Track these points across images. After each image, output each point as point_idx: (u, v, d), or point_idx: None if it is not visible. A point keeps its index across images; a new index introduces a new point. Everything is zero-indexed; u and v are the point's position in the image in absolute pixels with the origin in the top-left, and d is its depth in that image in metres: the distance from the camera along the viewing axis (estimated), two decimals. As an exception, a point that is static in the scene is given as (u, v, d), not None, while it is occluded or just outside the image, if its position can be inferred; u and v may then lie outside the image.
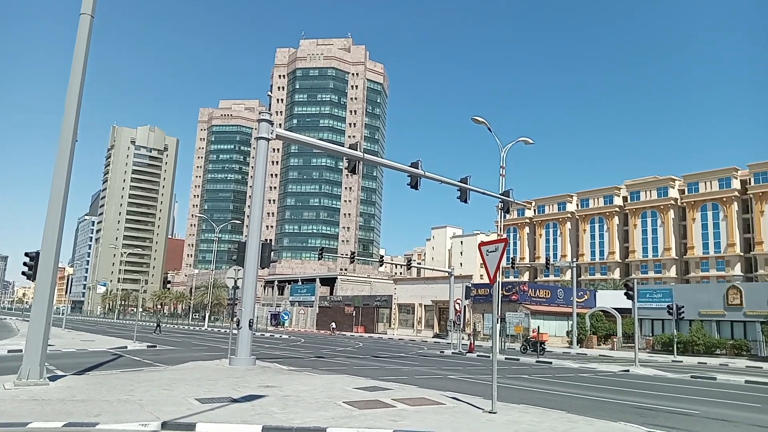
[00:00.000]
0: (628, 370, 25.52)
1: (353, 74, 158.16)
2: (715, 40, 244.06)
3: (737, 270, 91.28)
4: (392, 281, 78.86)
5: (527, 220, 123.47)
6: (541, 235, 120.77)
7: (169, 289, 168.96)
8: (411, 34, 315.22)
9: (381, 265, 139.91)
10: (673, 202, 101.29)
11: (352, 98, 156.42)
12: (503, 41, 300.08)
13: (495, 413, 11.15)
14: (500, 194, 29.71)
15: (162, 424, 9.08)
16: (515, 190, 29.59)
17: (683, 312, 38.79)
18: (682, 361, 33.72)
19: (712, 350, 39.10)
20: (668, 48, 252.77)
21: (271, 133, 20.92)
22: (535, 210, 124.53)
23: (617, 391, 17.62)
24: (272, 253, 23.18)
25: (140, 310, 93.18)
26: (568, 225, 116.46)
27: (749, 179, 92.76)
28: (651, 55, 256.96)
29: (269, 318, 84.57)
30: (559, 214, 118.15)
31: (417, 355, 33.03)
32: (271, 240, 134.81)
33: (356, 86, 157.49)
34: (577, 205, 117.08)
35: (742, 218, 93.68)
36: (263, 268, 22.08)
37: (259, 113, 21.74)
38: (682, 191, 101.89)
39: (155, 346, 30.85)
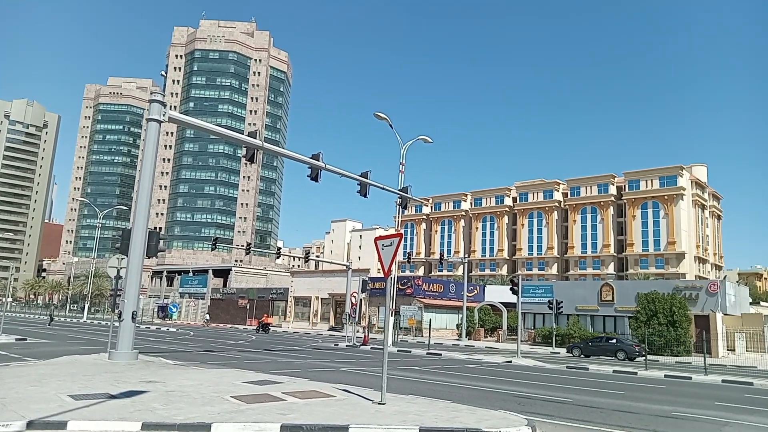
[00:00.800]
0: (511, 361, 26.96)
1: (256, 60, 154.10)
2: (603, 49, 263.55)
3: (611, 269, 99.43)
4: (289, 274, 77.87)
5: (424, 217, 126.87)
6: (436, 231, 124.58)
7: (44, 277, 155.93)
8: (318, 24, 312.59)
9: (278, 257, 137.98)
10: (557, 204, 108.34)
11: (254, 84, 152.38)
12: (412, 35, 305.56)
13: (384, 404, 11.32)
14: (399, 190, 30.22)
15: (28, 423, 8.31)
16: (415, 186, 30.26)
17: (562, 307, 41.64)
18: (559, 353, 36.18)
19: (585, 342, 42.28)
20: (559, 51, 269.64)
21: (164, 115, 19.80)
22: (432, 207, 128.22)
23: (500, 381, 18.55)
24: (161, 242, 22.01)
25: (9, 299, 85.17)
26: (462, 222, 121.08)
27: (624, 186, 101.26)
28: (550, 57, 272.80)
29: (156, 310, 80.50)
30: (455, 211, 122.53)
31: (311, 348, 32.87)
32: (160, 228, 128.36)
33: (259, 72, 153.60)
34: (471, 203, 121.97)
35: (617, 221, 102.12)
36: (150, 258, 20.90)
37: (151, 93, 20.52)
38: (565, 194, 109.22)
39: (25, 339, 28.34)
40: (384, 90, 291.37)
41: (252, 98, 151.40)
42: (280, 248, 78.53)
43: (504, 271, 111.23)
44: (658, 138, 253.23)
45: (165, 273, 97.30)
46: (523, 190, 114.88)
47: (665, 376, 22.51)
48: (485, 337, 50.15)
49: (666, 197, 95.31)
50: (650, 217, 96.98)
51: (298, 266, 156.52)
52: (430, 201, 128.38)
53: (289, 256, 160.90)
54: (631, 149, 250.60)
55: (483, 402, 13.17)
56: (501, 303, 50.13)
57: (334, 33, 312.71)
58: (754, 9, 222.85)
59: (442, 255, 49.65)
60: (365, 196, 27.43)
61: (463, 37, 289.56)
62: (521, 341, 38.14)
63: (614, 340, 34.65)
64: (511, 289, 32.52)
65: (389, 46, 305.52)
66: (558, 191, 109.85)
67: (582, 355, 33.99)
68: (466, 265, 51.61)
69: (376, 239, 12.69)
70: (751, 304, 55.78)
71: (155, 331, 46.72)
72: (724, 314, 39.75)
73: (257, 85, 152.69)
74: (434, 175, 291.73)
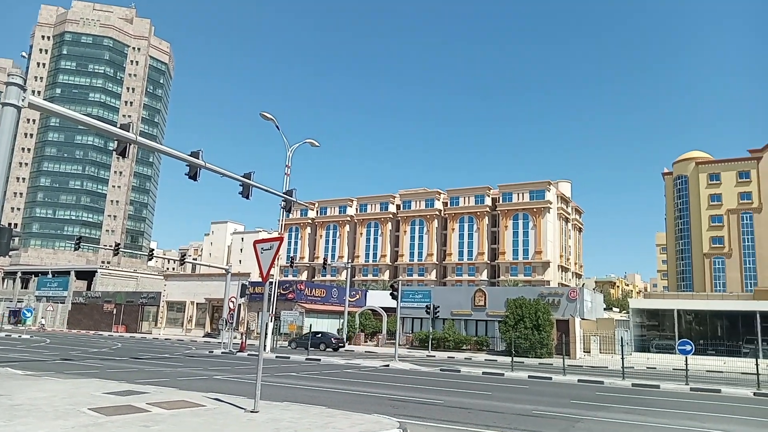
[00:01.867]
0: (388, 365, 27.47)
1: (134, 48, 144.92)
2: (482, 69, 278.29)
3: (484, 275, 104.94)
4: (163, 277, 73.68)
5: (310, 221, 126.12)
6: (321, 235, 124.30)
7: None
8: (204, 17, 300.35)
9: (151, 260, 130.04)
10: (438, 212, 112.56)
11: (130, 74, 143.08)
12: (302, 39, 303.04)
13: (257, 412, 11.04)
14: (283, 193, 29.75)
15: None
16: (301, 190, 29.93)
17: (438, 311, 43.24)
18: (434, 356, 37.48)
19: (460, 346, 44.15)
20: (445, 68, 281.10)
21: (23, 100, 17.89)
22: (318, 211, 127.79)
23: (377, 385, 18.81)
24: (15, 239, 19.86)
25: None
26: (347, 228, 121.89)
27: (499, 197, 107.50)
28: (435, 73, 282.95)
29: (7, 315, 72.62)
30: (340, 216, 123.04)
31: (183, 355, 31.31)
32: (15, 224, 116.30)
33: (137, 62, 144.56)
34: (357, 209, 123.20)
35: (491, 231, 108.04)
36: (1, 257, 18.80)
37: (9, 75, 18.49)
38: (446, 204, 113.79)
39: None
40: (271, 92, 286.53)
41: (128, 89, 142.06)
42: (153, 250, 74.07)
43: (386, 276, 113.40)
44: (531, 154, 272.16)
45: (19, 274, 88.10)
46: (407, 198, 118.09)
47: (529, 376, 24.08)
48: (365, 341, 50.73)
49: (535, 210, 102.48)
50: (521, 228, 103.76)
51: (173, 269, 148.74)
52: (316, 205, 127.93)
53: (164, 259, 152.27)
54: (506, 164, 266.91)
55: (358, 406, 13.28)
56: (382, 308, 50.98)
57: (222, 29, 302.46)
58: (610, 28, 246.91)
59: (325, 260, 49.57)
60: (248, 197, 26.66)
61: (354, 48, 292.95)
62: (400, 345, 39.01)
63: (320, 335, 41.36)
64: (391, 294, 33.21)
65: (279, 48, 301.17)
66: (439, 200, 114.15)
67: (297, 347, 40.50)
68: (349, 270, 51.95)
69: (255, 242, 12.38)
70: (604, 309, 61.42)
71: (4, 339, 42.13)
72: (582, 319, 43.36)
73: (134, 75, 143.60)
74: (321, 180, 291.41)
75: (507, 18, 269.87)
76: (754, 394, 19.96)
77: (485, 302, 46.49)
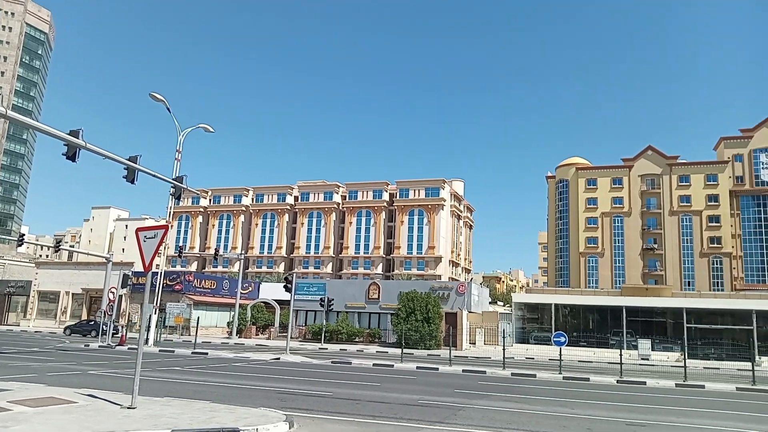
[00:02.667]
0: (279, 358, 27.11)
1: (7, 13, 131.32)
2: (386, 64, 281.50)
3: (380, 269, 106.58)
4: (34, 265, 67.68)
5: (202, 209, 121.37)
6: (214, 225, 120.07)
7: None
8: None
9: (21, 245, 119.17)
10: (336, 205, 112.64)
11: (3, 41, 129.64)
12: (203, 12, 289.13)
13: (134, 408, 10.46)
14: (173, 179, 28.30)
15: None
16: (194, 177, 28.61)
17: (333, 304, 43.31)
18: (327, 348, 37.51)
19: (353, 338, 44.50)
20: (356, 56, 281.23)
21: None
22: (210, 200, 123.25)
23: (266, 379, 18.50)
24: None
25: None
26: (242, 218, 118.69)
27: (396, 193, 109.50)
28: (341, 65, 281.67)
29: None
30: (235, 206, 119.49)
31: (55, 349, 29.00)
32: None
33: (10, 28, 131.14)
34: (253, 199, 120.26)
35: (387, 226, 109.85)
36: None
37: None
38: (344, 197, 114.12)
39: None
40: (165, 73, 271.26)
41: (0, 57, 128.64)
42: (24, 235, 67.83)
43: (281, 268, 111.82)
44: (428, 152, 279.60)
45: None
46: (305, 189, 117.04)
47: (417, 367, 24.78)
48: (257, 334, 49.73)
49: (430, 206, 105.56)
50: (416, 224, 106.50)
51: (47, 256, 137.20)
52: (209, 193, 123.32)
53: (36, 245, 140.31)
54: (404, 160, 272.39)
55: (245, 400, 12.99)
56: (275, 300, 50.19)
57: (112, 1, 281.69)
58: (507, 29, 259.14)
59: (217, 250, 47.81)
60: (133, 182, 24.98)
61: (258, 30, 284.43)
62: (292, 338, 38.60)
63: (92, 322, 45.26)
64: (285, 286, 32.77)
65: (176, 26, 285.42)
66: (337, 193, 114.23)
67: (72, 333, 44.25)
68: (242, 261, 50.61)
69: (138, 230, 11.70)
70: (490, 303, 64.59)
71: None
72: (469, 312, 45.29)
73: (7, 43, 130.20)
74: (215, 168, 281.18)
75: (414, 12, 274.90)
76: (617, 381, 21.87)
77: (379, 295, 47.21)
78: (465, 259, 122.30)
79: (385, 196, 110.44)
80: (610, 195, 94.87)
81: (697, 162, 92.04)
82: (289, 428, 9.96)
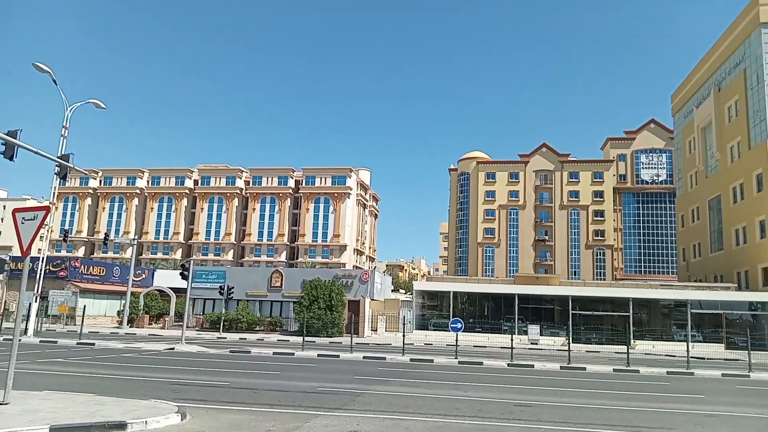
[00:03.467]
0: (173, 348, 26.04)
1: None
2: (288, 46, 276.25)
3: (283, 257, 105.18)
4: None
5: (91, 191, 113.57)
6: (104, 208, 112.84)
7: None
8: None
9: None
10: (239, 191, 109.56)
11: None
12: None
13: (7, 404, 9.62)
14: (58, 157, 26.20)
15: None
16: (82, 157, 26.62)
17: (233, 292, 42.18)
18: (226, 338, 36.53)
19: (253, 327, 43.64)
20: (266, 33, 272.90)
21: None
22: (101, 181, 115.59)
23: (159, 369, 17.71)
24: None
25: None
26: (136, 201, 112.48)
27: (302, 180, 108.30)
28: (250, 36, 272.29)
29: None
30: (129, 188, 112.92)
31: None
32: None
33: None
34: (149, 181, 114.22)
35: (292, 213, 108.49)
36: None
37: None
38: (248, 182, 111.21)
39: None
40: (53, 41, 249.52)
41: None
42: None
43: (179, 255, 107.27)
44: (335, 139, 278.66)
45: None
46: (206, 173, 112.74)
47: (318, 355, 24.76)
48: (150, 324, 47.46)
49: (336, 195, 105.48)
50: (321, 212, 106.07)
51: None
52: (100, 174, 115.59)
53: None
54: (310, 147, 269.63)
55: (135, 392, 12.36)
56: (171, 288, 48.10)
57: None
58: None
59: (107, 235, 44.94)
60: (12, 159, 22.88)
61: (159, 2, 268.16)
62: (189, 327, 37.23)
63: None
64: (181, 274, 31.50)
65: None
66: (241, 179, 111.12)
67: None
68: (135, 247, 48.00)
69: (15, 211, 10.73)
70: (392, 291, 65.78)
71: None
72: (372, 299, 45.86)
73: None
74: (108, 147, 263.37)
75: None
76: (508, 365, 23.07)
77: (282, 283, 46.60)
78: (369, 248, 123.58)
79: (291, 183, 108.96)
80: (507, 188, 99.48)
81: (586, 160, 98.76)
82: (182, 420, 9.60)
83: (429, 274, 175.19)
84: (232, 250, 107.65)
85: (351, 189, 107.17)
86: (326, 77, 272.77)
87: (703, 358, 31.00)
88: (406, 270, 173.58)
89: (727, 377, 21.57)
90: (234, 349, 26.63)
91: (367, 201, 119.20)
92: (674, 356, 31.67)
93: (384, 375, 18.18)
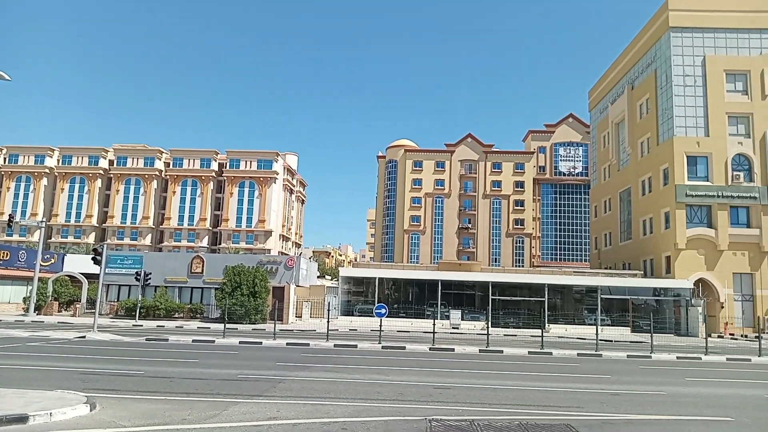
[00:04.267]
0: (84, 336, 24.75)
1: None
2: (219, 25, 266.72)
3: (205, 242, 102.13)
4: None
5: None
6: (9, 188, 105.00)
7: None
8: None
9: None
10: (158, 172, 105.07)
11: None
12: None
13: None
14: (-48, 130, 24.03)
15: None
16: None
17: (150, 278, 40.50)
18: (142, 325, 35.09)
19: (172, 314, 42.14)
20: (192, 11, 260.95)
21: None
22: (6, 158, 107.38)
23: (68, 359, 16.78)
24: None
25: None
26: (45, 181, 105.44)
27: (226, 163, 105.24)
28: (168, 24, 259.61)
29: None
30: (36, 167, 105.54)
31: None
32: None
33: None
34: (59, 160, 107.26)
35: (215, 197, 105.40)
36: None
37: None
38: (168, 164, 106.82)
39: None
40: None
41: None
42: None
43: (92, 239, 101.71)
44: (262, 123, 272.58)
45: None
46: (123, 153, 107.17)
47: (240, 342, 24.29)
48: (60, 311, 44.83)
49: (262, 179, 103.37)
50: (246, 196, 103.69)
51: None
52: (4, 151, 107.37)
53: None
54: (236, 129, 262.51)
55: (40, 383, 11.64)
56: (83, 274, 45.55)
57: None
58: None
59: (12, 216, 41.83)
60: None
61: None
62: (102, 315, 35.46)
63: None
64: (93, 258, 29.89)
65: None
66: (160, 160, 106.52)
67: None
68: (44, 229, 45.01)
69: None
70: (318, 277, 65.46)
71: None
72: (297, 286, 45.43)
73: None
74: (15, 123, 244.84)
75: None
76: (430, 349, 23.57)
77: (203, 269, 45.23)
78: (296, 234, 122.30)
79: (214, 166, 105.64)
80: (433, 177, 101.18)
81: (509, 151, 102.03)
82: (91, 410, 9.14)
83: (356, 260, 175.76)
84: (150, 235, 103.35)
85: (277, 173, 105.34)
86: (256, 59, 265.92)
87: (611, 341, 32.97)
88: (332, 256, 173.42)
89: (631, 358, 23.04)
90: (150, 337, 25.63)
91: (294, 186, 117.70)
92: (585, 339, 33.47)
93: (307, 361, 18.09)
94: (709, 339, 28.92)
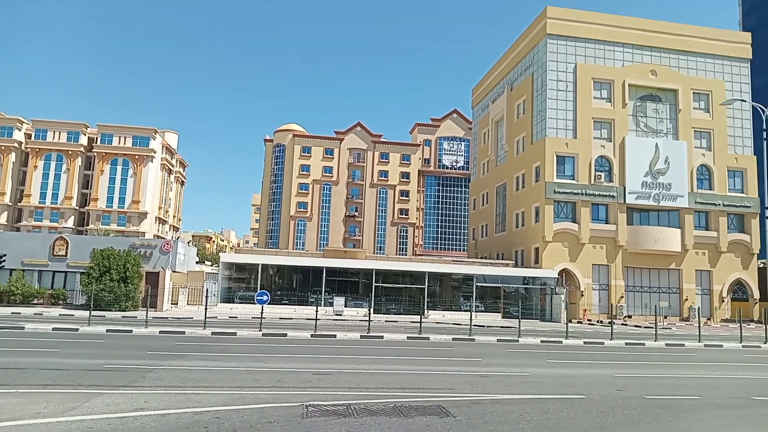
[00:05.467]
0: None
1: None
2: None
3: (71, 222, 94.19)
4: None
5: None
6: None
7: None
8: None
9: None
10: (16, 144, 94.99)
11: None
12: None
13: None
14: None
15: None
16: None
17: (4, 260, 36.67)
18: (-7, 312, 31.71)
19: (30, 300, 38.45)
20: None
21: None
22: None
23: None
24: None
25: None
26: None
27: (97, 138, 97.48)
28: None
29: None
30: None
31: None
32: None
33: None
34: None
35: (83, 174, 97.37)
36: None
37: None
38: (29, 135, 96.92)
39: None
40: None
41: None
42: None
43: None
44: (139, 97, 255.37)
45: None
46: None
47: (107, 330, 22.72)
48: None
49: (137, 157, 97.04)
50: (119, 174, 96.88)
51: None
52: None
53: None
54: (109, 103, 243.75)
55: None
56: None
57: None
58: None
59: None
60: None
61: None
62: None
63: None
64: (-67, 237, 26.41)
65: None
66: (20, 131, 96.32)
67: None
68: None
69: None
70: (198, 263, 62.88)
71: None
72: (173, 271, 43.28)
73: None
74: None
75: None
76: (312, 336, 23.52)
77: (67, 252, 41.65)
78: (174, 217, 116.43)
79: (83, 140, 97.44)
80: (322, 164, 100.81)
81: (396, 142, 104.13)
82: None
83: (239, 246, 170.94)
84: (5, 213, 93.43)
85: (155, 152, 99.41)
86: (146, 33, 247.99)
87: (484, 326, 34.90)
88: (214, 241, 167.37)
89: (501, 342, 24.54)
90: (3, 325, 23.20)
91: (173, 166, 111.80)
92: (460, 324, 35.12)
93: (181, 350, 17.32)
94: (569, 324, 31.58)
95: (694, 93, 51.27)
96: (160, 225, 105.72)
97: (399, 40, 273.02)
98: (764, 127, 33.10)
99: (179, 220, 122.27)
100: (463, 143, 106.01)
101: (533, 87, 52.58)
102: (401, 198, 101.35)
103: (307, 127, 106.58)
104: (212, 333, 23.08)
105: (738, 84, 52.33)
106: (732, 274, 50.08)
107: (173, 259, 43.26)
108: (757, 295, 49.70)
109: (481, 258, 59.56)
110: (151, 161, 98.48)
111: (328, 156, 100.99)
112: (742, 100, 45.84)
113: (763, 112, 33.07)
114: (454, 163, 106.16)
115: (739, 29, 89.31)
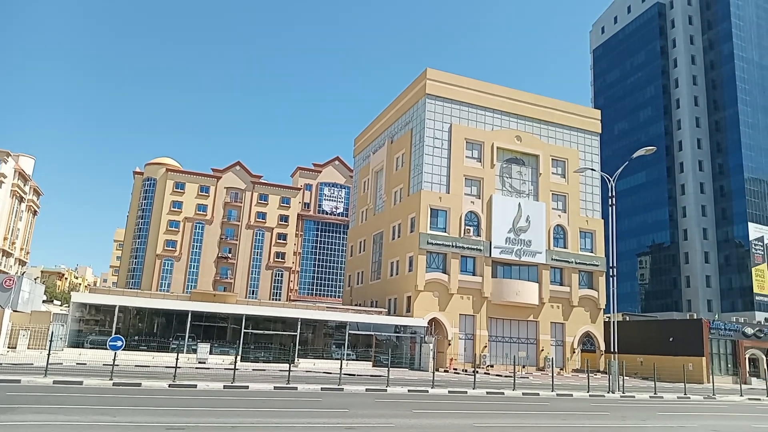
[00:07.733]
0: None
1: None
2: None
3: None
4: None
5: None
6: None
7: None
8: None
9: None
10: None
11: None
12: None
13: None
14: None
15: None
16: None
17: None
18: None
19: None
20: None
21: None
22: None
23: None
24: None
25: None
26: None
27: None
28: None
29: None
30: None
31: None
32: None
33: None
34: None
35: None
36: None
37: None
38: None
39: None
40: None
41: None
42: None
43: None
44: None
45: None
46: None
47: None
48: None
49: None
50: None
51: None
52: None
53: None
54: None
55: None
56: None
57: None
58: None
59: None
60: None
61: None
62: None
63: None
64: None
65: None
66: None
67: None
68: None
69: None
70: (45, 302, 56.70)
71: None
72: (14, 311, 38.73)
73: None
74: None
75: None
76: (170, 385, 21.92)
77: None
78: (22, 249, 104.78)
79: None
80: (196, 201, 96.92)
81: (276, 184, 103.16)
82: None
83: (95, 284, 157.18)
84: None
85: (6, 177, 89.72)
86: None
87: (354, 375, 34.69)
88: (67, 278, 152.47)
89: (369, 392, 24.48)
90: None
91: (25, 194, 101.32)
92: (331, 373, 34.62)
93: (14, 401, 15.32)
94: (437, 373, 32.31)
95: (552, 159, 56.45)
96: (5, 258, 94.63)
97: (288, 84, 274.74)
98: (610, 194, 37.05)
99: (27, 253, 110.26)
100: (343, 190, 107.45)
101: (412, 142, 54.96)
102: (278, 241, 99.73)
103: (182, 163, 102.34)
104: (54, 382, 20.74)
105: (590, 154, 58.51)
106: (582, 327, 54.55)
107: (15, 296, 38.82)
108: (603, 347, 54.38)
109: (356, 305, 59.75)
110: (0, 187, 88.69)
111: (203, 193, 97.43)
112: (592, 170, 51.34)
113: (609, 181, 37.13)
114: (334, 209, 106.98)
115: (591, 106, 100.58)
